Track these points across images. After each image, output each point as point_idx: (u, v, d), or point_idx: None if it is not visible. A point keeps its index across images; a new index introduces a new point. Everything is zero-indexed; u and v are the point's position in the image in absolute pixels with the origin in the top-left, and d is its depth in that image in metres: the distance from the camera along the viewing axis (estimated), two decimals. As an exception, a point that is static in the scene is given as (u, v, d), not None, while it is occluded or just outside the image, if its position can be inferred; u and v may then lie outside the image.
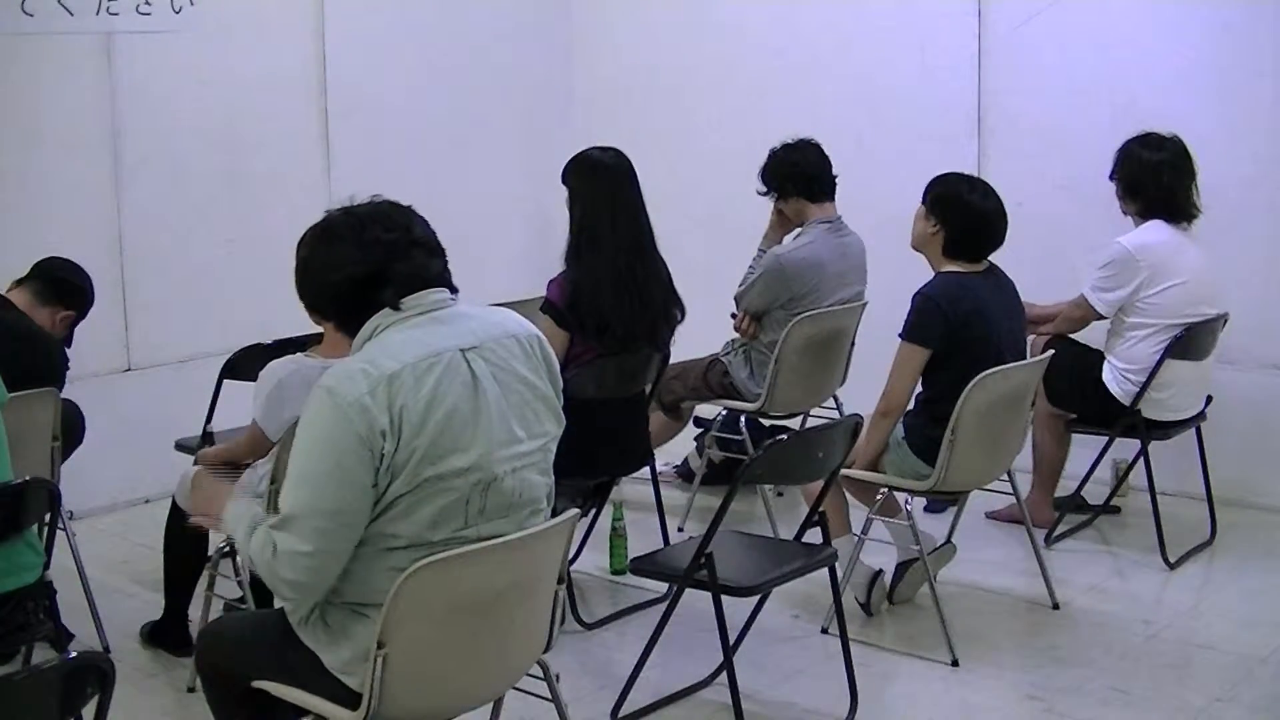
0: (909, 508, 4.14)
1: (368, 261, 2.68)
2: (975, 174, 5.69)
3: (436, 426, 2.57)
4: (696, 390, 5.21)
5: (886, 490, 4.23)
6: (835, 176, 5.08)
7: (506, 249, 6.75)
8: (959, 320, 4.13)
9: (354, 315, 2.72)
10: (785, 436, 3.69)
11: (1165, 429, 4.83)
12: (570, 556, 3.42)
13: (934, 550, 4.37)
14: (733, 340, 5.19)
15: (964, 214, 4.24)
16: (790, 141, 5.10)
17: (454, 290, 2.78)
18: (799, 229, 5.10)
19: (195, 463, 4.01)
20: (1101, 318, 4.81)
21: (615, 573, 4.67)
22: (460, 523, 2.63)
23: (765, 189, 5.12)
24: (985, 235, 4.26)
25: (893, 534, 4.38)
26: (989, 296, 4.22)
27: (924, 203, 4.32)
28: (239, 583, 3.79)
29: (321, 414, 2.56)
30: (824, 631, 4.22)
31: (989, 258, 4.31)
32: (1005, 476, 4.44)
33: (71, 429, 4.18)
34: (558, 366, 2.87)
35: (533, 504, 2.76)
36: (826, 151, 5.09)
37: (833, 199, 5.09)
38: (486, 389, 2.65)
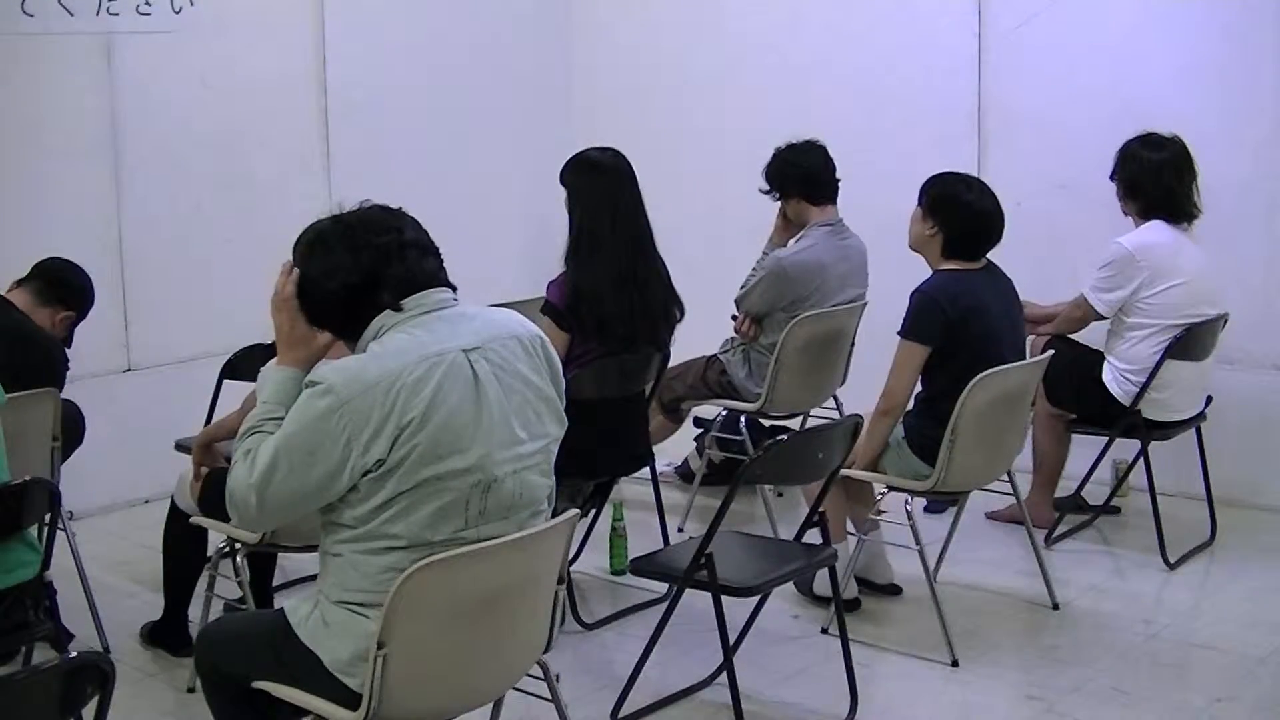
0: (909, 508, 4.14)
1: (361, 268, 2.69)
2: (975, 174, 5.71)
3: (437, 427, 2.58)
4: (694, 389, 5.21)
5: (884, 492, 4.23)
6: (839, 180, 5.07)
7: (506, 249, 6.75)
8: (958, 317, 4.13)
9: (353, 322, 2.72)
10: (785, 436, 3.70)
11: (1165, 429, 4.83)
12: (570, 556, 3.42)
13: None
14: (731, 338, 5.19)
15: (962, 214, 4.24)
16: (796, 142, 5.08)
17: (453, 289, 2.79)
18: (802, 232, 5.09)
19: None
20: (1101, 318, 4.81)
21: (615, 573, 4.67)
22: (460, 524, 2.63)
23: (768, 188, 5.11)
24: (984, 234, 4.26)
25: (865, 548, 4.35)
26: (988, 294, 4.22)
27: (920, 204, 4.32)
28: (239, 583, 3.79)
29: (315, 404, 2.57)
30: (824, 631, 4.22)
31: (987, 255, 4.32)
32: (1005, 476, 4.44)
33: (71, 429, 4.18)
34: (560, 367, 2.87)
35: (533, 505, 2.76)
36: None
37: (834, 202, 5.08)
38: (488, 390, 2.66)
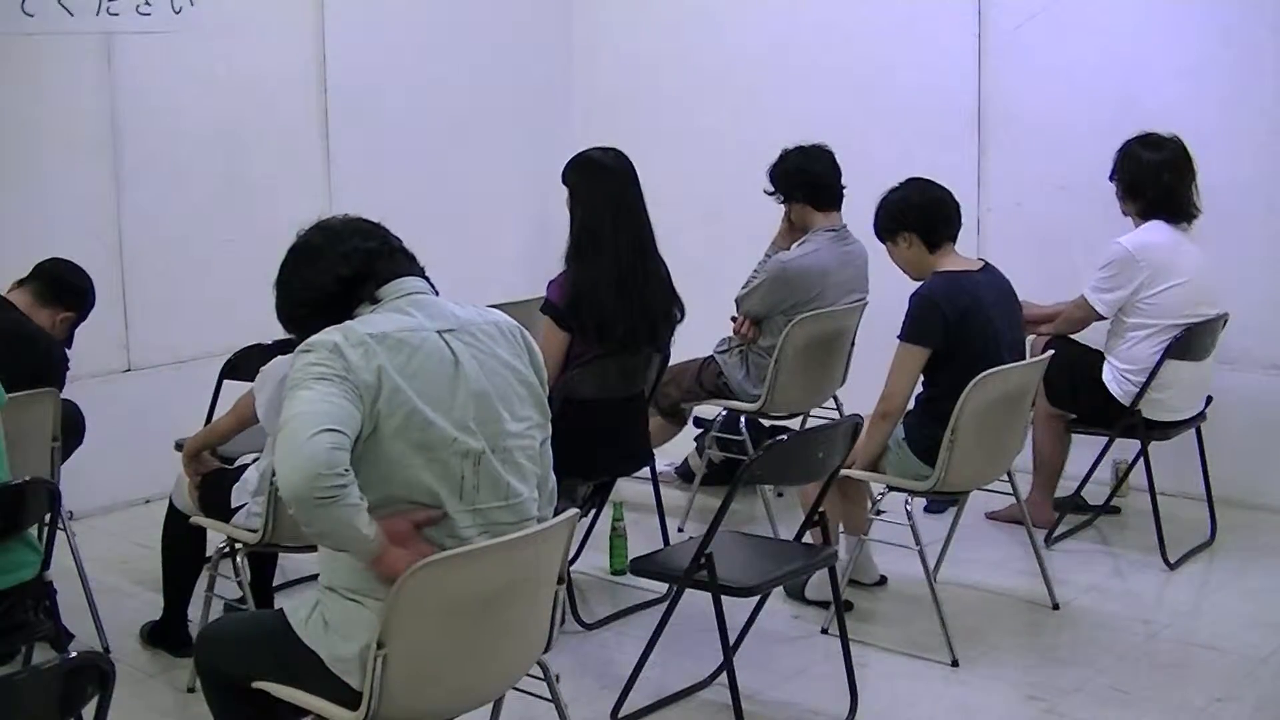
0: (909, 508, 4.14)
1: (352, 265, 2.74)
2: (975, 174, 5.75)
3: (415, 393, 2.60)
4: (691, 392, 5.20)
5: (883, 492, 4.23)
6: (844, 187, 5.08)
7: (506, 249, 6.75)
8: (956, 317, 4.13)
9: (340, 318, 2.73)
10: (785, 436, 3.70)
11: (1165, 429, 4.83)
12: (570, 556, 3.42)
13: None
14: (728, 338, 5.18)
15: (916, 208, 4.29)
16: (805, 145, 5.07)
17: (435, 292, 2.83)
18: (804, 236, 5.09)
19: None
20: (1102, 318, 4.81)
21: (615, 573, 4.67)
22: (456, 499, 2.64)
23: (773, 189, 5.10)
24: (947, 210, 4.31)
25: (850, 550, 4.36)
26: (985, 292, 4.23)
27: (884, 239, 4.38)
28: (239, 583, 3.79)
29: (300, 362, 2.60)
30: (824, 631, 4.22)
31: (984, 257, 4.33)
32: (1005, 476, 4.44)
33: (71, 429, 4.18)
34: (541, 359, 2.89)
35: (526, 490, 2.76)
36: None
37: (839, 209, 5.08)
38: (466, 367, 2.69)
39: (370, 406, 2.57)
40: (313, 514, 2.48)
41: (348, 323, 2.68)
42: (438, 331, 2.69)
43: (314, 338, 2.63)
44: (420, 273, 2.84)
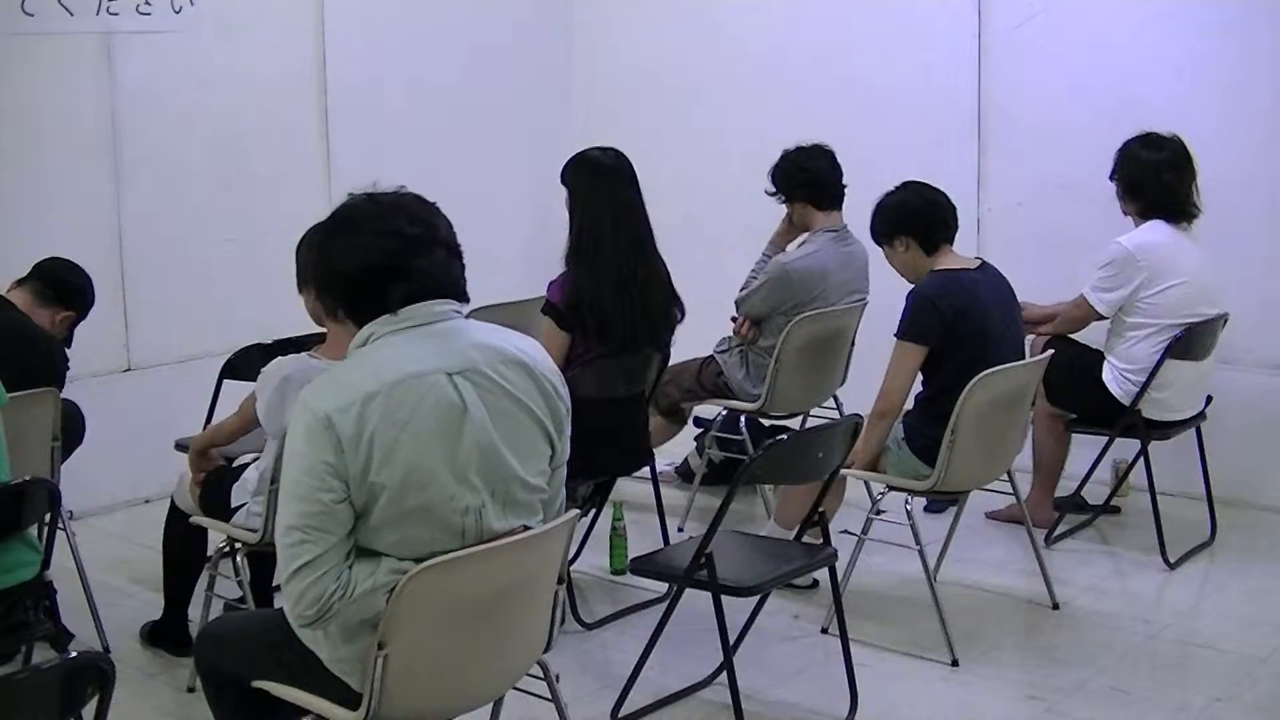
0: (909, 508, 4.14)
1: (386, 252, 2.60)
2: (975, 174, 5.74)
3: (413, 453, 2.52)
4: (691, 391, 5.21)
5: (883, 492, 4.23)
6: (845, 186, 5.08)
7: (506, 249, 6.75)
8: (954, 315, 4.14)
9: (364, 308, 2.64)
10: (785, 436, 3.70)
11: (1165, 429, 4.83)
12: (570, 556, 3.42)
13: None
14: (728, 338, 5.18)
15: (915, 213, 4.30)
16: (805, 145, 5.07)
17: (466, 299, 2.72)
18: (804, 236, 5.09)
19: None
20: (1102, 318, 4.81)
21: (615, 573, 4.67)
22: (457, 544, 2.61)
23: (774, 189, 5.10)
24: (943, 213, 4.32)
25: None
26: (983, 291, 4.23)
27: (882, 244, 4.40)
28: (239, 583, 3.79)
29: (295, 424, 2.55)
30: (824, 631, 4.22)
31: (984, 257, 4.33)
32: (1005, 476, 4.44)
33: (71, 429, 4.18)
34: (566, 390, 2.78)
35: (527, 521, 2.72)
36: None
37: (839, 208, 5.08)
38: (473, 414, 2.59)
39: (361, 480, 2.50)
40: (328, 627, 2.60)
41: (354, 366, 2.57)
42: (447, 374, 2.57)
43: (309, 398, 2.52)
44: (460, 272, 2.70)
